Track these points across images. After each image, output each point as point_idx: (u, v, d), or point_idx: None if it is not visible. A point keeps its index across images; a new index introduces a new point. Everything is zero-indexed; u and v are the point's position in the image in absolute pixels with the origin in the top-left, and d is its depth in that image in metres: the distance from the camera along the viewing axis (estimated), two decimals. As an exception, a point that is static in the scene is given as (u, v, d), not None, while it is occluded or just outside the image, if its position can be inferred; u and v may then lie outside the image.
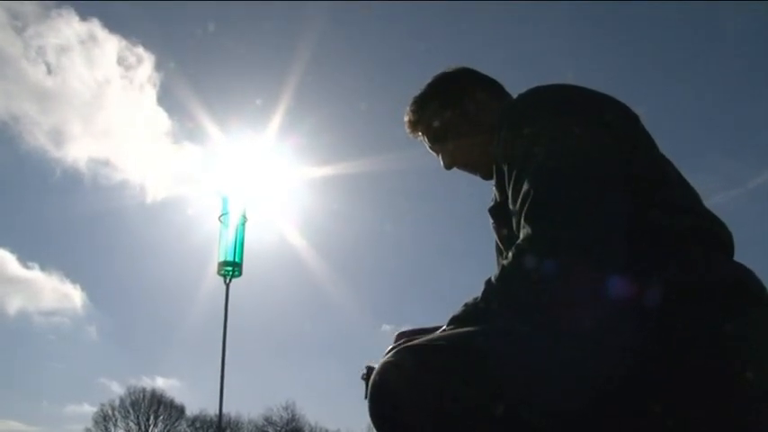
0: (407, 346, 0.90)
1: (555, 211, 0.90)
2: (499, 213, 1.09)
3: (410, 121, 1.33)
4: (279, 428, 32.53)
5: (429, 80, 1.33)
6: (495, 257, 1.23)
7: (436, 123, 1.28)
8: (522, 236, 0.92)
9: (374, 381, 0.89)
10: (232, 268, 1.16)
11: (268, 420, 32.66)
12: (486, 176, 1.27)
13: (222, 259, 1.14)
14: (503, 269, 0.93)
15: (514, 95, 1.23)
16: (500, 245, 1.17)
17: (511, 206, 0.98)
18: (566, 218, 0.88)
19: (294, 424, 32.55)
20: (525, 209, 0.92)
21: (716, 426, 0.84)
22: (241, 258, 1.17)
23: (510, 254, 0.92)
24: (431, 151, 1.33)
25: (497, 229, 1.14)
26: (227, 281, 1.14)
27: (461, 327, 0.94)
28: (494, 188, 1.12)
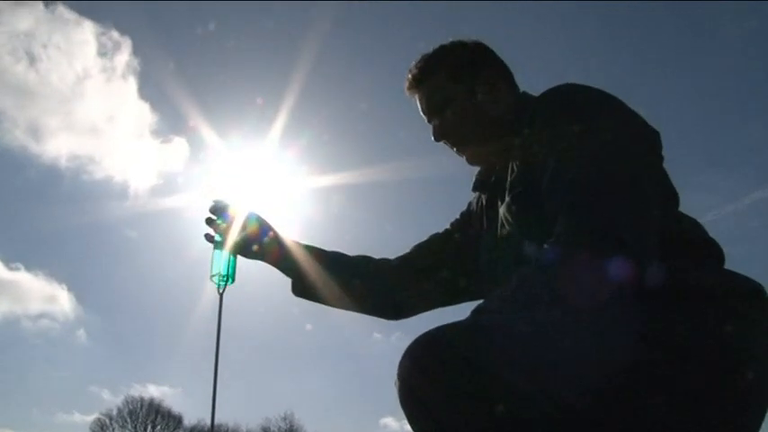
0: (423, 341, 0.83)
1: (603, 205, 0.90)
2: (526, 202, 1.05)
3: (412, 80, 1.23)
4: (277, 439, 32.07)
5: (442, 44, 1.24)
6: (492, 241, 1.16)
7: (439, 95, 1.20)
8: (564, 226, 0.90)
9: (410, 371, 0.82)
10: (226, 276, 1.14)
11: (266, 431, 32.41)
12: (474, 162, 1.23)
13: (215, 272, 1.13)
14: (548, 258, 0.89)
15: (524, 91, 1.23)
16: (508, 228, 1.10)
17: (547, 195, 0.97)
18: (613, 212, 0.89)
19: (293, 435, 32.21)
20: (572, 198, 0.91)
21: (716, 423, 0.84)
22: (234, 270, 1.15)
23: (554, 243, 0.90)
24: (422, 114, 1.24)
25: (517, 215, 1.07)
26: (221, 290, 1.13)
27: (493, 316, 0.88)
28: (511, 178, 1.09)
